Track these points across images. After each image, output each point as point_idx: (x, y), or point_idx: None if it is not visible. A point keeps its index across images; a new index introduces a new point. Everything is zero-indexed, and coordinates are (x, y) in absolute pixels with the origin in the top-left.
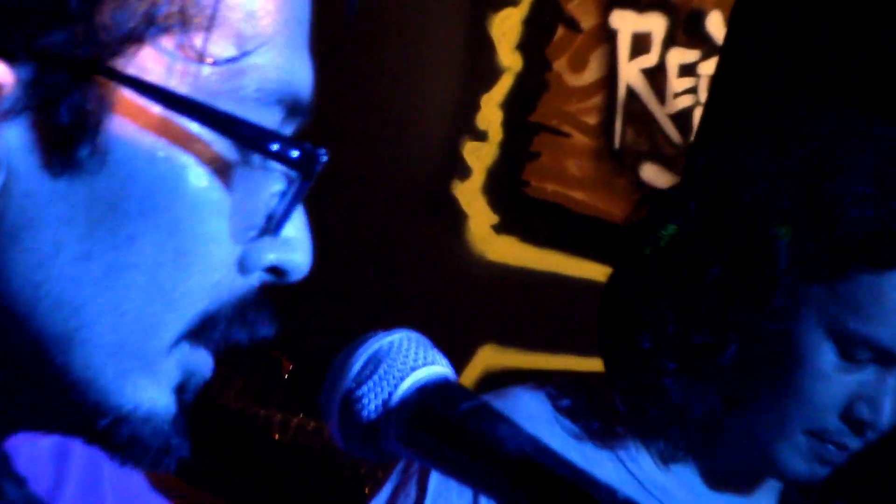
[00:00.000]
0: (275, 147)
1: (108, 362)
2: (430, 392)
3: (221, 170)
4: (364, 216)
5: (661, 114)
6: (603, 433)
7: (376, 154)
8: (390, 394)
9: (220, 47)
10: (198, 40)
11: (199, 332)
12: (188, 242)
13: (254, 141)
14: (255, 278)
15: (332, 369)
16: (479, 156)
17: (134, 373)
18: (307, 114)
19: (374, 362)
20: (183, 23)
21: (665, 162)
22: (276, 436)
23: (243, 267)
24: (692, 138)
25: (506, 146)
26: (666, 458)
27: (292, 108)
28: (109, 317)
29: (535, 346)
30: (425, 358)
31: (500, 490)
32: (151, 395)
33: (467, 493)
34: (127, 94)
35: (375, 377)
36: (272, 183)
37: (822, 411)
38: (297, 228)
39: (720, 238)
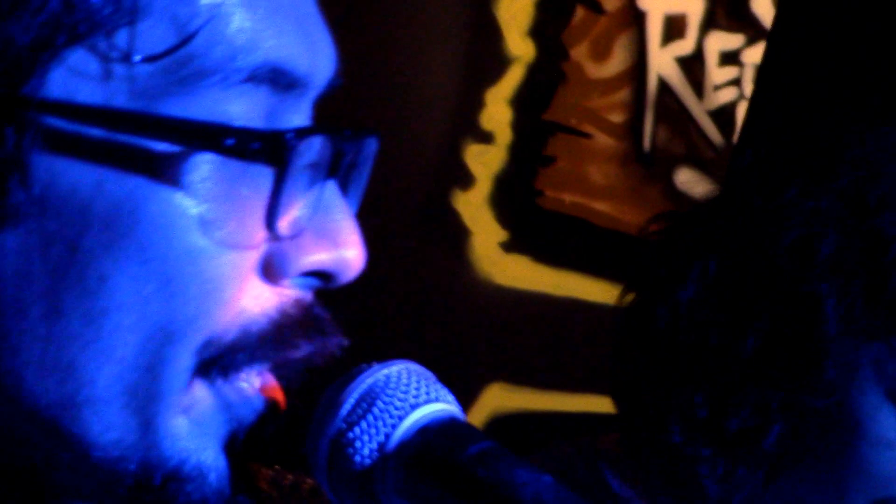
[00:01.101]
0: (230, 143)
1: (128, 415)
2: (434, 433)
3: (190, 176)
4: None
5: (698, 110)
6: None
7: None
8: (387, 436)
9: (154, 39)
10: (121, 39)
11: (227, 362)
12: (168, 267)
13: (205, 141)
14: (294, 286)
15: (319, 408)
16: (485, 161)
17: (163, 418)
18: (316, 85)
19: (369, 399)
20: (99, 23)
21: (703, 166)
22: None
23: (271, 274)
24: (735, 139)
25: (515, 149)
26: None
27: (280, 81)
28: (108, 367)
29: (551, 385)
30: (428, 394)
31: None
32: (195, 445)
33: None
34: (52, 122)
35: (370, 417)
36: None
37: (887, 480)
38: (336, 220)
39: (750, 300)
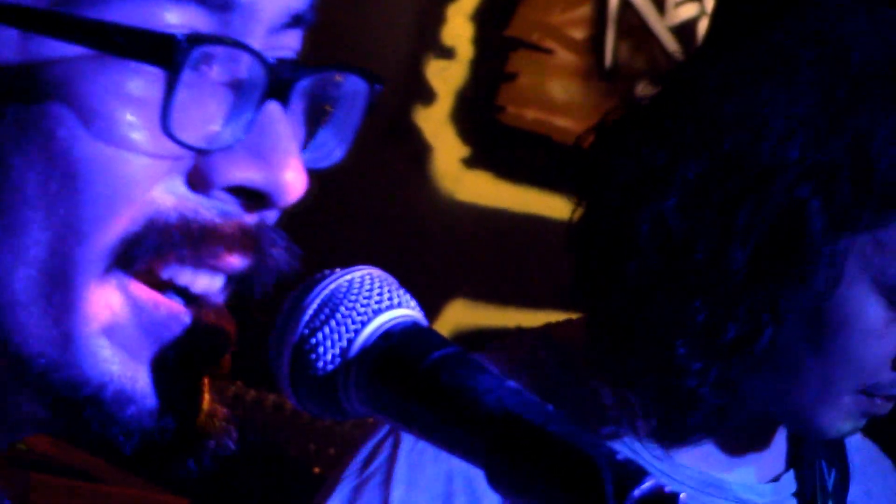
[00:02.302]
0: (120, 41)
1: (48, 326)
2: (397, 339)
3: (96, 78)
4: None
5: (660, 26)
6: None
7: None
8: (350, 341)
9: None
10: None
11: (132, 253)
12: (71, 164)
13: (99, 40)
14: (226, 201)
15: (280, 315)
16: (446, 77)
17: (82, 334)
18: (263, 9)
19: (331, 305)
20: None
21: None
22: None
23: (196, 182)
24: None
25: (477, 65)
26: (677, 441)
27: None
28: (22, 269)
29: (512, 300)
30: (391, 299)
31: (479, 454)
32: (118, 369)
33: (438, 499)
34: None
35: (332, 322)
36: (208, 83)
37: (873, 369)
38: (272, 141)
39: (733, 211)
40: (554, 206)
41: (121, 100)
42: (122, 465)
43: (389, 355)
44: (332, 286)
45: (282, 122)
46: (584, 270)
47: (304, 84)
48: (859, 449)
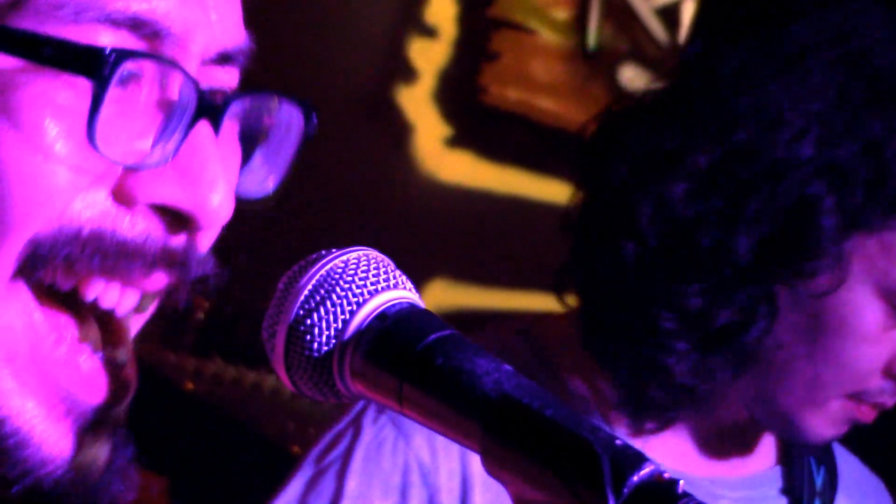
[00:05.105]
0: (49, 51)
1: None
2: (393, 321)
3: (21, 88)
4: None
5: (644, 8)
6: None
7: (303, 54)
8: (345, 323)
9: None
10: None
11: (38, 255)
12: (2, 170)
13: (29, 50)
14: (150, 218)
15: (276, 294)
16: (429, 56)
17: None
18: (197, 42)
19: (327, 286)
20: None
21: (647, 63)
22: (190, 385)
23: (121, 196)
24: (681, 37)
25: (460, 45)
26: (652, 431)
27: (142, 29)
28: None
29: (493, 281)
30: (387, 280)
31: (475, 437)
32: (17, 405)
33: (393, 491)
34: None
35: (328, 303)
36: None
37: (864, 375)
38: (199, 162)
39: (743, 202)
40: (535, 188)
41: (49, 110)
42: None
43: (385, 337)
44: (328, 267)
45: (210, 146)
46: (579, 248)
47: (236, 108)
48: (847, 462)
